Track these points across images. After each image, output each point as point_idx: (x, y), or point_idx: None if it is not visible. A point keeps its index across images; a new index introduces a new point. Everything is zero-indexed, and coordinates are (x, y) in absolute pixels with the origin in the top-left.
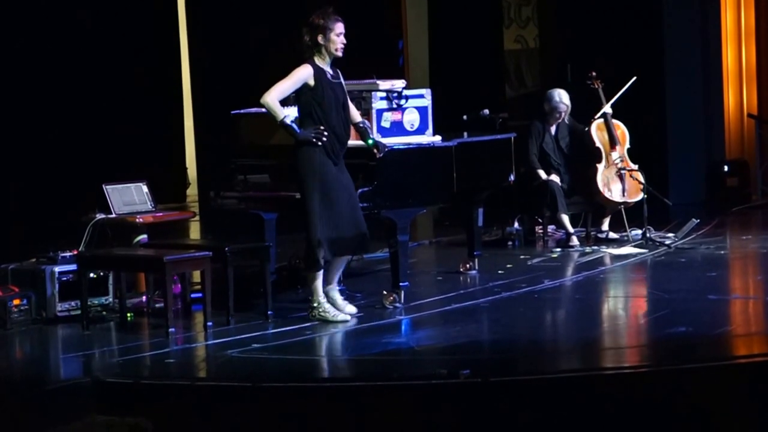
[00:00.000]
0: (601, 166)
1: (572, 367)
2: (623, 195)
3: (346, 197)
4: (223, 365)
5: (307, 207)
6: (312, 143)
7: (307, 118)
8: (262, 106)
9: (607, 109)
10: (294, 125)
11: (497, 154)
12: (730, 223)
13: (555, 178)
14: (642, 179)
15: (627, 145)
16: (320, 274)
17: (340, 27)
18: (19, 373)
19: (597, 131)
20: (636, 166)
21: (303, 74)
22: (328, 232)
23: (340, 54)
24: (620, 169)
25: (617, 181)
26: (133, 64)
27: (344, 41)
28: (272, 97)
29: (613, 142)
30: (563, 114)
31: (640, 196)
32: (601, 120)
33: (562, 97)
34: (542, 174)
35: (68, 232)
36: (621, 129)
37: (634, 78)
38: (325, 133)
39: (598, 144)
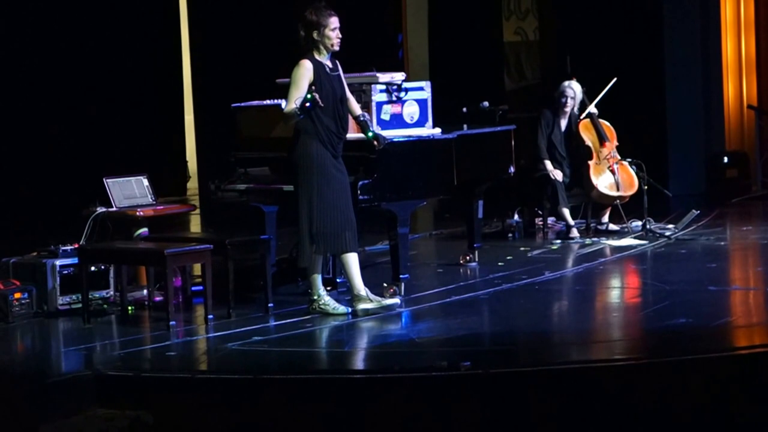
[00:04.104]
0: (592, 163)
1: (572, 359)
2: (617, 189)
3: (338, 195)
4: (223, 358)
5: (304, 199)
6: (303, 110)
7: (304, 113)
8: (285, 117)
9: (592, 109)
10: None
11: (497, 147)
12: (729, 214)
13: (558, 175)
14: (633, 171)
15: (616, 142)
16: (318, 266)
17: (333, 22)
18: (20, 367)
19: (584, 131)
20: (628, 161)
21: (303, 74)
22: (316, 227)
23: (336, 48)
24: (612, 164)
25: (610, 177)
26: (133, 59)
27: (339, 35)
28: (292, 107)
29: (601, 139)
30: (569, 101)
31: (635, 189)
32: (587, 120)
33: (571, 84)
34: (548, 165)
35: (69, 226)
36: (608, 127)
37: (615, 79)
38: (318, 99)
39: (587, 143)
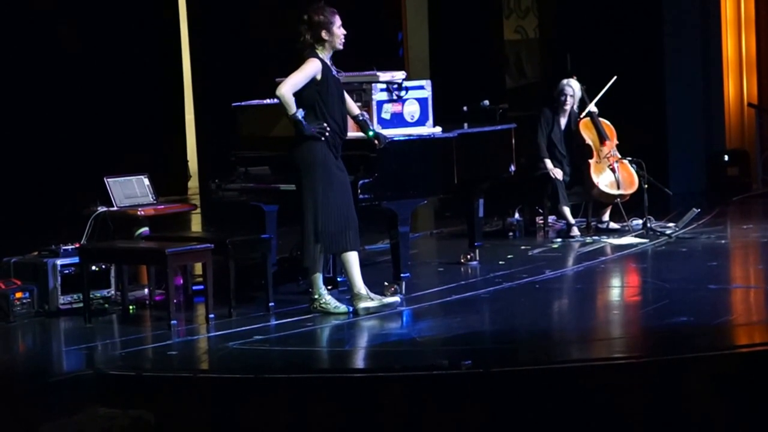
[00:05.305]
0: (592, 162)
1: (573, 357)
2: (618, 188)
3: (341, 194)
4: (224, 357)
5: (308, 199)
6: (315, 138)
7: (310, 111)
8: (277, 97)
9: (592, 108)
10: (303, 120)
11: (498, 145)
12: (730, 212)
13: (558, 174)
14: (634, 170)
15: (616, 141)
16: (320, 265)
17: (338, 19)
18: (21, 366)
19: (585, 129)
20: (628, 160)
21: (313, 68)
22: (320, 226)
23: (342, 46)
24: (612, 163)
25: (611, 175)
26: (134, 58)
27: (344, 32)
28: (287, 89)
29: (602, 138)
30: (568, 99)
31: (635, 187)
32: (588, 118)
33: (570, 82)
34: (548, 163)
35: (70, 225)
36: (608, 125)
37: (615, 77)
38: (328, 130)
39: (588, 141)
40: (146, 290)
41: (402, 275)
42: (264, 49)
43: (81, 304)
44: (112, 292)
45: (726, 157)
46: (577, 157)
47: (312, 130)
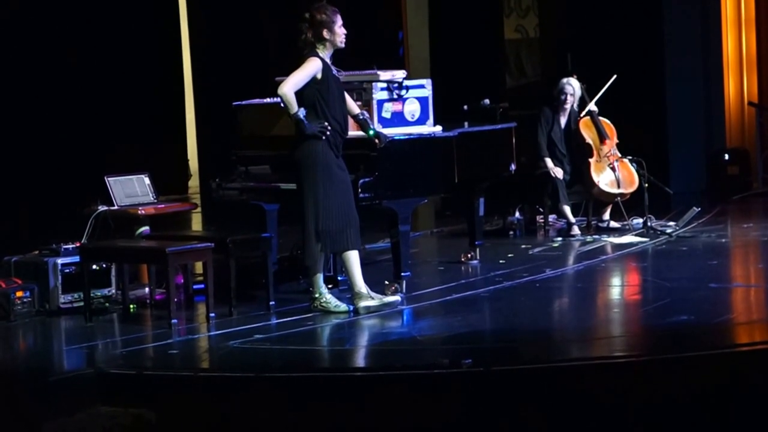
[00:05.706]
0: (592, 161)
1: (573, 356)
2: (618, 187)
3: (341, 193)
4: (225, 356)
5: (309, 198)
6: (317, 137)
7: (311, 110)
8: (279, 96)
9: (592, 106)
10: (305, 119)
11: (498, 144)
12: (731, 211)
13: (559, 172)
14: (634, 169)
15: (616, 140)
16: (320, 264)
17: (340, 18)
18: (22, 365)
19: (585, 128)
20: (628, 158)
21: (314, 67)
22: (322, 225)
23: (343, 45)
24: (612, 162)
25: (611, 174)
26: (134, 57)
27: (345, 31)
28: (288, 88)
29: (602, 137)
30: (568, 98)
31: (635, 186)
32: (588, 117)
33: (570, 81)
34: (549, 162)
35: (71, 224)
36: (608, 124)
37: (615, 76)
38: (329, 129)
39: (588, 140)
40: (147, 289)
41: (402, 274)
42: (264, 48)
43: (82, 303)
44: (113, 291)
45: (726, 156)
46: (578, 156)
47: (313, 129)
